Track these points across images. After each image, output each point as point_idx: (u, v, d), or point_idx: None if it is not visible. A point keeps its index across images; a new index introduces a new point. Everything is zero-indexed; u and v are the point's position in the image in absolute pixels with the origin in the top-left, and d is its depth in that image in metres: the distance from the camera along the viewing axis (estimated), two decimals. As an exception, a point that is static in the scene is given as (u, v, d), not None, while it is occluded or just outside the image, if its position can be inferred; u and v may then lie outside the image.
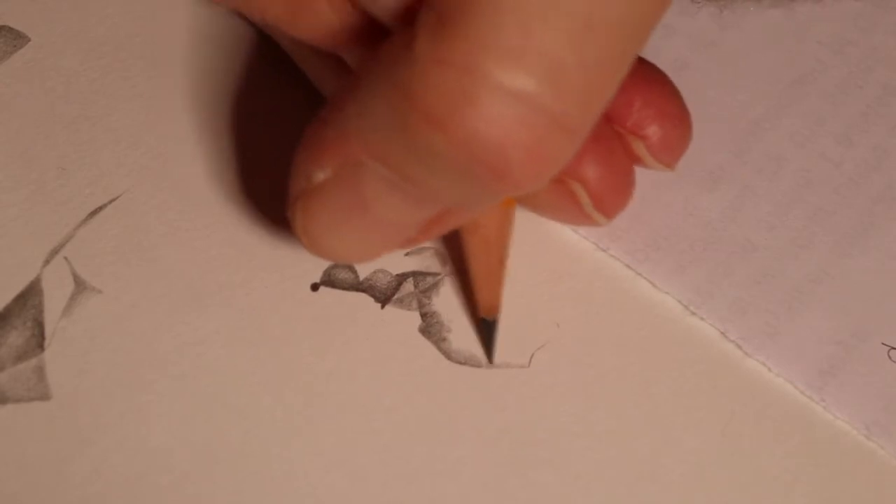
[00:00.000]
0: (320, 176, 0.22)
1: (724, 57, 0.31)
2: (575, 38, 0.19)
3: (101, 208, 0.28)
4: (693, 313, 0.28)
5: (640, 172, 0.28)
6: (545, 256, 0.28)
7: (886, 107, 0.31)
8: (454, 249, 0.28)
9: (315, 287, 0.28)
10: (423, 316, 0.28)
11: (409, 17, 0.20)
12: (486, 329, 0.27)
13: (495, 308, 0.27)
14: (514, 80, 0.18)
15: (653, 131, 0.26)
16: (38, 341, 0.27)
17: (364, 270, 0.28)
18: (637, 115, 0.26)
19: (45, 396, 0.26)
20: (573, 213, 0.27)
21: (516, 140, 0.19)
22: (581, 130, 0.20)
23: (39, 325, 0.27)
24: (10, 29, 0.31)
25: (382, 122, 0.20)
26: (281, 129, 0.30)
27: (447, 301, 0.28)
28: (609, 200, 0.26)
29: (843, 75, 0.31)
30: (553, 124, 0.19)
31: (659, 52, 0.31)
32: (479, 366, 0.27)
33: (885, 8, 0.32)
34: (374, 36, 0.22)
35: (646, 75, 0.27)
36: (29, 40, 0.31)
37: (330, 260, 0.24)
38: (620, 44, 0.19)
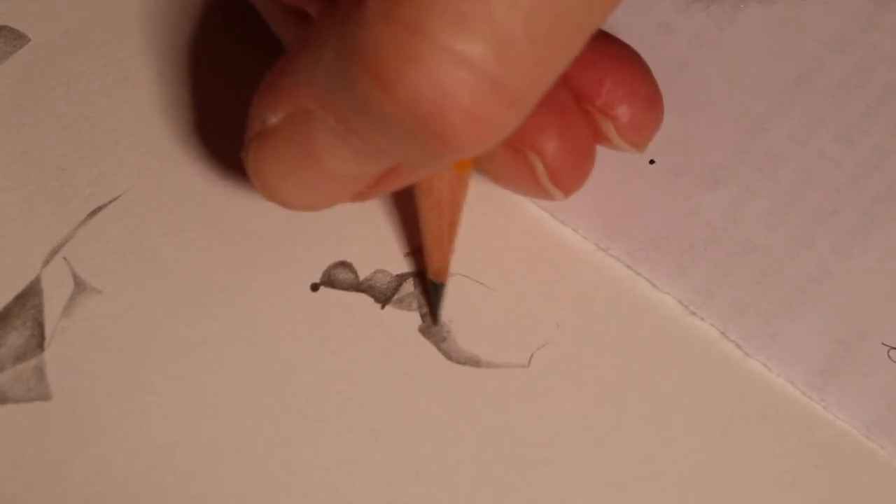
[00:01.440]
0: (273, 119, 0.22)
1: (724, 56, 0.31)
2: (525, 8, 0.19)
3: (100, 208, 0.28)
4: (693, 313, 0.28)
5: (640, 170, 0.28)
6: (545, 256, 0.28)
7: (887, 106, 0.31)
8: (460, 245, 0.28)
9: (315, 287, 0.28)
10: (423, 316, 0.28)
11: None
12: (434, 291, 0.27)
13: (444, 271, 0.27)
14: (459, 43, 0.19)
15: (622, 111, 0.26)
16: (38, 341, 0.27)
17: (364, 270, 0.28)
18: (607, 96, 0.26)
19: (44, 397, 0.26)
20: (529, 184, 0.27)
21: (456, 103, 0.19)
22: (525, 101, 0.20)
23: (39, 326, 0.27)
24: (11, 29, 0.31)
25: (332, 74, 0.20)
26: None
27: (447, 301, 0.28)
28: (565, 175, 0.26)
29: (843, 74, 0.31)
30: (495, 92, 0.19)
31: (658, 51, 0.31)
32: (479, 366, 0.27)
33: (886, 7, 0.32)
34: None
35: (617, 54, 0.26)
36: (29, 40, 0.31)
37: (281, 206, 0.24)
38: (573, 19, 0.19)
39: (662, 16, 0.32)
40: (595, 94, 0.26)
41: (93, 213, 0.28)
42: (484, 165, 0.27)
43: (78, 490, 0.26)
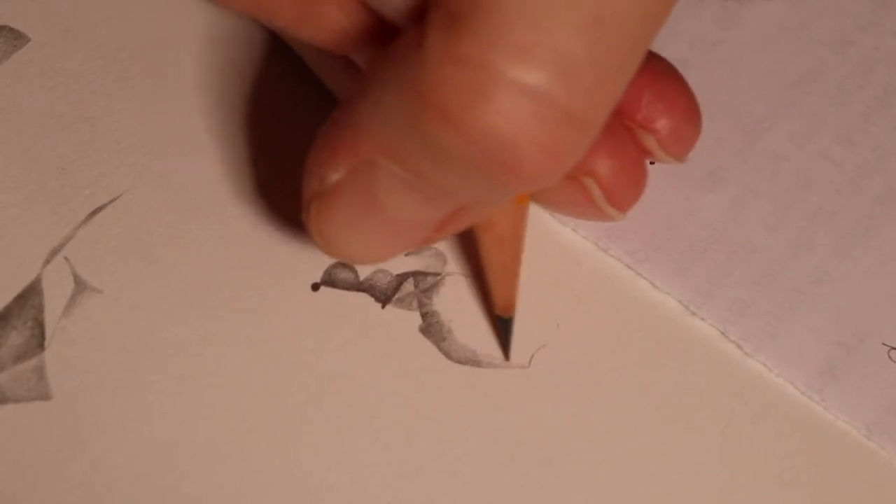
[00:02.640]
0: (333, 177, 0.22)
1: (725, 57, 0.31)
2: (585, 32, 0.19)
3: (101, 208, 0.28)
4: (693, 313, 0.28)
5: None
6: (545, 257, 0.28)
7: (887, 107, 0.31)
8: (467, 248, 0.28)
9: (315, 287, 0.28)
10: (424, 316, 0.28)
11: (418, 16, 0.20)
12: (502, 327, 0.27)
13: (511, 306, 0.27)
14: (525, 75, 0.19)
15: (662, 125, 0.26)
16: (39, 341, 0.27)
17: (364, 270, 0.28)
18: (647, 109, 0.26)
19: (45, 396, 0.26)
20: (586, 207, 0.27)
21: (529, 135, 0.19)
22: (593, 125, 0.20)
23: (39, 325, 0.27)
24: (11, 29, 0.31)
25: (395, 120, 0.20)
26: (282, 129, 0.30)
27: (447, 301, 0.28)
28: (621, 194, 0.26)
29: (843, 75, 0.31)
30: (565, 119, 0.19)
31: (660, 51, 0.31)
32: (479, 366, 0.27)
33: (886, 8, 0.32)
34: (383, 36, 0.22)
35: (654, 69, 0.27)
36: (29, 40, 0.31)
37: (347, 261, 0.24)
38: (630, 38, 0.19)
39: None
40: (635, 109, 0.26)
41: (93, 213, 0.28)
42: (540, 196, 0.27)
43: (78, 490, 0.26)
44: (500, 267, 0.26)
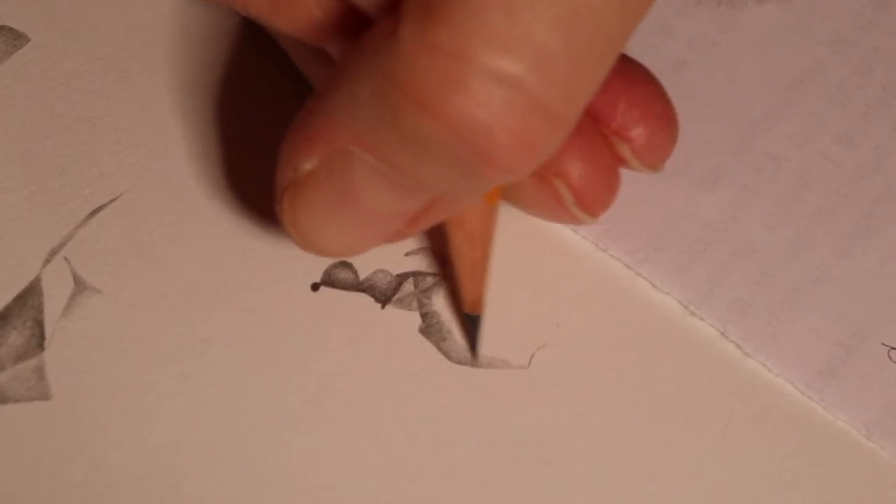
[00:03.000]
0: (307, 166, 0.22)
1: (724, 57, 0.31)
2: (562, 24, 0.19)
3: (101, 208, 0.28)
4: (693, 313, 0.28)
5: (638, 172, 0.28)
6: (545, 257, 0.28)
7: (887, 107, 0.31)
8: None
9: (315, 287, 0.28)
10: (424, 316, 0.28)
11: (391, 5, 0.20)
12: (470, 324, 0.27)
13: (479, 303, 0.27)
14: (501, 64, 0.19)
15: (637, 133, 0.26)
16: (38, 341, 0.27)
17: (364, 270, 0.28)
18: (622, 117, 0.26)
19: (44, 396, 0.26)
20: (557, 210, 0.27)
21: (504, 123, 0.19)
22: (567, 119, 0.20)
23: (39, 325, 0.27)
24: (10, 29, 0.31)
25: (369, 109, 0.20)
26: (283, 128, 0.30)
27: (447, 301, 0.28)
28: (592, 199, 0.26)
29: (843, 75, 0.31)
30: (539, 110, 0.19)
31: (658, 52, 0.31)
32: (479, 366, 0.27)
33: (886, 7, 0.32)
34: (356, 26, 0.22)
35: (631, 75, 0.26)
36: (29, 40, 0.31)
37: (318, 254, 0.24)
38: (607, 32, 0.19)
39: (662, 17, 0.32)
40: (610, 117, 0.26)
41: (93, 213, 0.28)
42: (511, 195, 0.27)
43: (78, 489, 0.26)
44: (470, 265, 0.26)
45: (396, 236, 0.24)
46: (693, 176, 0.29)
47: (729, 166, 0.30)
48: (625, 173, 0.27)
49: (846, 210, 0.29)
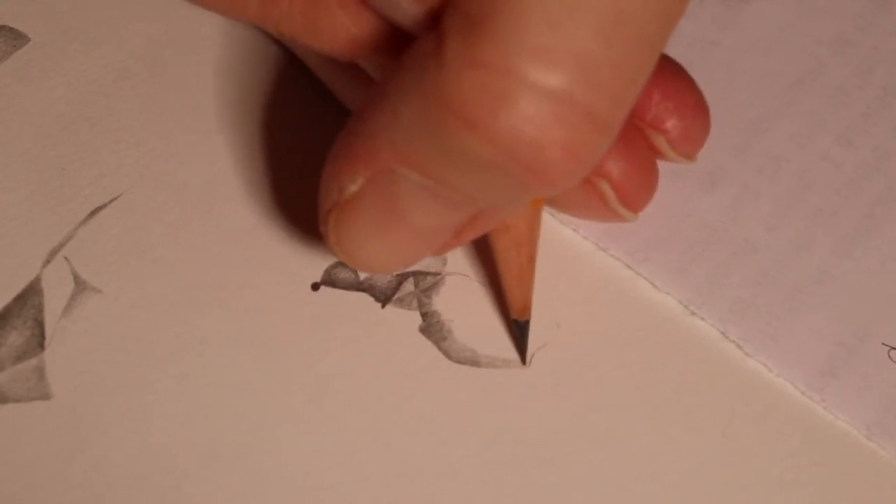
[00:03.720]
0: (352, 188, 0.22)
1: (725, 57, 0.31)
2: (604, 32, 0.19)
3: (101, 208, 0.28)
4: (693, 313, 0.28)
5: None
6: (545, 257, 0.28)
7: (887, 107, 0.31)
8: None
9: (315, 286, 0.28)
10: (424, 315, 0.28)
11: (432, 22, 0.20)
12: (518, 330, 0.27)
13: (527, 308, 0.27)
14: (547, 77, 0.19)
15: (672, 125, 0.26)
16: (39, 341, 0.27)
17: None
18: (656, 109, 0.26)
19: (45, 396, 0.26)
20: (599, 210, 0.27)
21: (552, 137, 0.19)
22: (614, 125, 0.20)
23: (39, 325, 0.27)
24: (11, 29, 0.31)
25: (414, 128, 0.20)
26: (283, 128, 0.30)
27: (447, 301, 0.28)
28: (634, 195, 0.27)
29: (843, 76, 0.31)
30: (587, 120, 0.19)
31: (659, 53, 0.31)
32: (479, 366, 0.27)
33: (886, 8, 0.32)
34: (394, 43, 0.22)
35: (663, 68, 0.27)
36: (29, 40, 0.31)
37: (366, 271, 0.24)
38: (648, 37, 0.19)
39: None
40: (644, 109, 0.26)
41: (93, 213, 0.28)
42: (555, 201, 0.27)
43: (78, 489, 0.25)
44: (517, 270, 0.26)
45: (443, 248, 0.24)
46: (693, 176, 0.29)
47: (729, 166, 0.30)
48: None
49: (846, 210, 0.29)
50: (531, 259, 0.26)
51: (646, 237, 0.29)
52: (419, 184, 0.21)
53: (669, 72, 0.27)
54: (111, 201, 0.29)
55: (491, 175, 0.20)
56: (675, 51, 0.31)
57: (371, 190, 0.22)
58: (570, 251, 0.29)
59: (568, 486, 0.26)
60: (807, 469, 0.26)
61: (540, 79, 0.19)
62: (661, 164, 0.28)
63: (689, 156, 0.27)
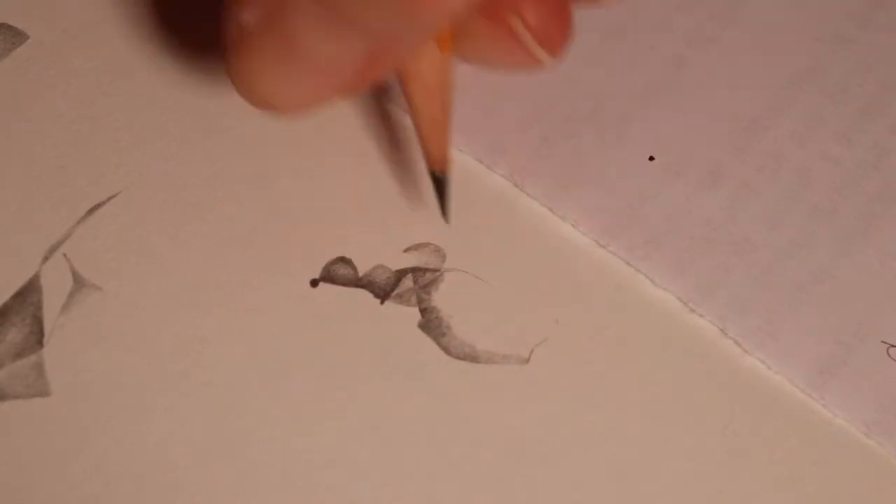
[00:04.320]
0: (249, 19, 0.22)
1: (724, 54, 0.31)
2: None
3: (100, 205, 0.28)
4: (692, 311, 0.28)
5: (640, 167, 0.28)
6: (544, 253, 0.28)
7: (886, 106, 0.31)
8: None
9: (314, 283, 0.28)
10: (423, 312, 0.28)
11: None
12: (437, 184, 0.27)
13: (445, 160, 0.27)
14: None
15: None
16: (37, 338, 0.27)
17: (363, 266, 0.28)
18: None
19: (44, 393, 0.26)
20: (515, 51, 0.26)
21: None
22: None
23: (38, 322, 0.27)
24: (9, 27, 0.31)
25: None
26: (284, 128, 0.30)
27: (447, 297, 0.28)
28: (550, 32, 0.26)
29: (842, 73, 0.31)
30: None
31: (657, 48, 0.31)
32: (478, 362, 0.27)
33: (885, 6, 0.32)
34: None
35: None
36: (28, 38, 0.31)
37: (268, 109, 0.23)
38: None
39: (662, 13, 0.32)
40: None
41: (92, 210, 0.28)
42: (466, 46, 0.27)
43: (77, 487, 0.25)
44: (429, 118, 0.26)
45: (346, 88, 0.24)
46: (693, 174, 0.29)
47: (729, 164, 0.30)
48: (625, 170, 0.27)
49: (846, 208, 0.29)
50: (444, 108, 0.26)
51: (645, 234, 0.29)
52: (312, 13, 0.21)
53: None
54: (110, 198, 0.29)
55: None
56: (674, 48, 0.31)
57: (267, 21, 0.22)
58: (569, 247, 0.29)
59: (566, 483, 0.26)
60: (805, 467, 0.26)
61: None
62: (663, 161, 0.29)
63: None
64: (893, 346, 0.27)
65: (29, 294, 0.27)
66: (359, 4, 0.21)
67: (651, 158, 0.29)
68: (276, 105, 0.24)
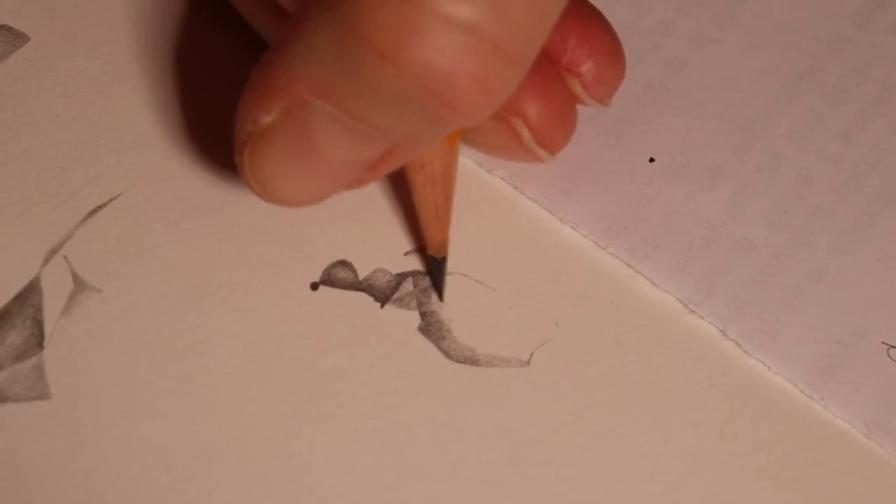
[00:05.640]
0: (267, 119, 0.22)
1: (723, 55, 0.31)
2: None
3: (100, 207, 0.28)
4: (692, 311, 0.28)
5: (640, 168, 0.28)
6: (544, 255, 0.28)
7: (886, 105, 0.31)
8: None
9: (315, 286, 0.28)
10: (423, 315, 0.28)
11: None
12: (435, 267, 0.28)
13: (444, 245, 0.27)
14: (457, 9, 0.19)
15: (587, 69, 0.27)
16: (38, 340, 0.27)
17: (363, 270, 0.28)
18: (572, 53, 0.27)
19: (44, 395, 0.26)
20: (516, 149, 0.27)
21: (463, 68, 0.19)
22: (524, 59, 0.20)
23: (39, 325, 0.27)
24: (10, 28, 0.31)
25: (328, 59, 0.20)
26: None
27: (447, 300, 0.28)
28: (551, 135, 0.27)
29: (842, 73, 0.31)
30: (497, 53, 0.19)
31: (657, 49, 0.31)
32: (478, 364, 0.27)
33: (885, 6, 0.32)
34: None
35: (579, 13, 0.27)
36: (28, 39, 0.31)
37: (279, 204, 0.24)
38: None
39: (662, 14, 0.32)
40: (560, 53, 0.27)
41: (92, 213, 0.28)
42: (471, 136, 0.27)
43: (77, 489, 0.26)
44: (433, 207, 0.26)
45: (357, 183, 0.24)
46: (692, 173, 0.29)
47: (728, 164, 0.30)
48: (625, 171, 0.27)
49: (845, 208, 0.29)
50: (447, 197, 0.26)
51: (645, 235, 0.29)
52: (333, 116, 0.21)
53: (586, 16, 0.27)
54: (110, 201, 0.29)
55: (403, 107, 0.20)
56: (674, 48, 0.31)
57: (285, 122, 0.22)
58: (569, 249, 0.29)
59: (567, 485, 0.26)
60: (805, 467, 0.26)
61: (451, 11, 0.19)
62: (662, 162, 0.29)
63: (602, 100, 0.28)
64: (893, 346, 0.27)
65: (29, 296, 0.27)
66: (387, 113, 0.21)
67: (651, 160, 0.29)
68: (288, 201, 0.24)
